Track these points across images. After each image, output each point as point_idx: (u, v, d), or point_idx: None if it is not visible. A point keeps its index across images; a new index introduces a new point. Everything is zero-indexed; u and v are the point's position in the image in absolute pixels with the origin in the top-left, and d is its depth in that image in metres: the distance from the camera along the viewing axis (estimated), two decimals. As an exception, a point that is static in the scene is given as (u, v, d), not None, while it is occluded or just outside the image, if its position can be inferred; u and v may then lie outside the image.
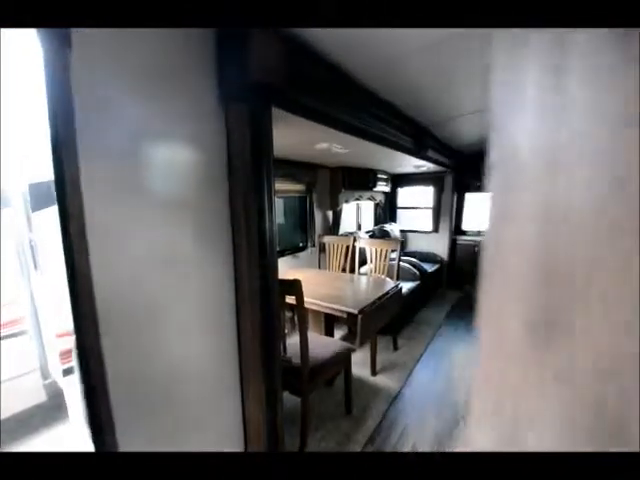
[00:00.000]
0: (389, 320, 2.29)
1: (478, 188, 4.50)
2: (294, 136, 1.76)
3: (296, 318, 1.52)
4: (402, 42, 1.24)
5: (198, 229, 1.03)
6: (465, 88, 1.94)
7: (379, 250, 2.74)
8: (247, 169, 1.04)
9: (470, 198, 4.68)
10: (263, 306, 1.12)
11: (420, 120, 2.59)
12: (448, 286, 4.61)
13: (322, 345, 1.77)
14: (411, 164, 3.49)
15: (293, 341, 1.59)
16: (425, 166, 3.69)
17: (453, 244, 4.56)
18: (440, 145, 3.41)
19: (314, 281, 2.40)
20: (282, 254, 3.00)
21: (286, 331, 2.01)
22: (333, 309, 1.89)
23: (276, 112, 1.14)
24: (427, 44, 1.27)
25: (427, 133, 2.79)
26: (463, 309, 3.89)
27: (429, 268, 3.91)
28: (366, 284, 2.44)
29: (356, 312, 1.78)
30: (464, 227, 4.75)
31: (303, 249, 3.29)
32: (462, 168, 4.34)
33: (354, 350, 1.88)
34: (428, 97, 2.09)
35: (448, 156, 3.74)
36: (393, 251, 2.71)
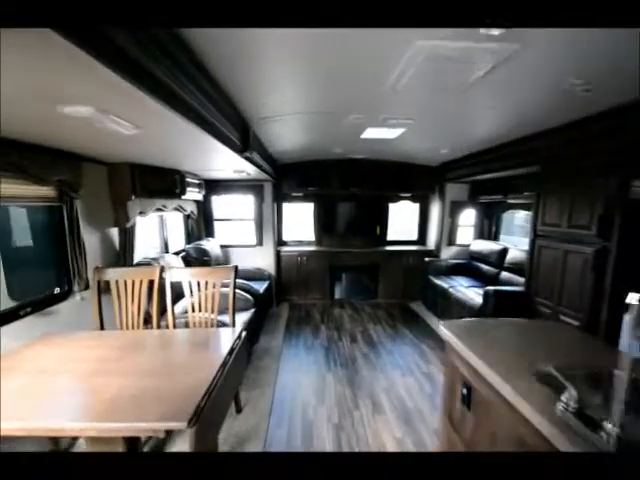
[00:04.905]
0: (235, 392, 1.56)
1: (295, 199, 4.51)
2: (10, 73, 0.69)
3: None
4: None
5: None
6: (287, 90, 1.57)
7: (205, 282, 1.93)
8: None
9: (287, 208, 4.62)
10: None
11: (246, 115, 2.02)
12: (277, 302, 4.34)
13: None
14: (231, 168, 2.86)
15: None
16: (245, 172, 3.18)
17: (278, 256, 4.34)
18: (263, 149, 2.99)
19: (87, 368, 1.28)
20: (17, 314, 1.56)
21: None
22: (128, 430, 0.95)
23: None
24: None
25: (251, 132, 2.26)
26: (297, 324, 3.68)
27: (260, 288, 3.42)
28: (190, 347, 1.57)
29: (185, 424, 0.95)
30: (284, 238, 4.65)
31: (64, 297, 1.91)
32: (279, 177, 4.17)
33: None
34: (260, 89, 1.58)
35: (269, 163, 3.40)
36: (225, 281, 1.98)
